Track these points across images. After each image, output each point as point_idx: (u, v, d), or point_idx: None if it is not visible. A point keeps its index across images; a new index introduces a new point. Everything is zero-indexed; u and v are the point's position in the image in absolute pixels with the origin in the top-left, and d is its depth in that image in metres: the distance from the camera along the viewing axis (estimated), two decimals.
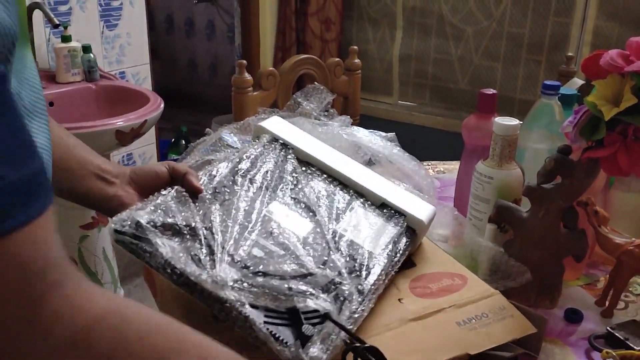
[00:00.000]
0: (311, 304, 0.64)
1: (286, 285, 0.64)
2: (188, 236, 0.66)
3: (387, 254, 0.76)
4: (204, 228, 0.67)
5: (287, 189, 0.79)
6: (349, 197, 0.83)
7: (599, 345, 0.79)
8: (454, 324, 0.71)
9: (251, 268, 0.65)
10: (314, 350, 0.61)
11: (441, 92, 2.93)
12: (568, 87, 1.15)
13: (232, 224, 0.70)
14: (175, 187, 0.71)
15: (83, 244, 1.87)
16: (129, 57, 2.37)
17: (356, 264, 0.72)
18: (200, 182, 0.74)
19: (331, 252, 0.72)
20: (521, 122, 0.94)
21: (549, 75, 2.58)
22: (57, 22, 1.86)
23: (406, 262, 0.82)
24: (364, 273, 0.71)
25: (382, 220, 0.81)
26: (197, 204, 0.70)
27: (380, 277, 0.72)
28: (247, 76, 1.50)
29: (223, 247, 0.66)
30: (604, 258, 0.97)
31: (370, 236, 0.77)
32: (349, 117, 1.08)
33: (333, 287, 0.67)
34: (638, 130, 0.79)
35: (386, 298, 0.75)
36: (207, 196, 0.72)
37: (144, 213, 0.65)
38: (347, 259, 0.72)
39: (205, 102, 4.17)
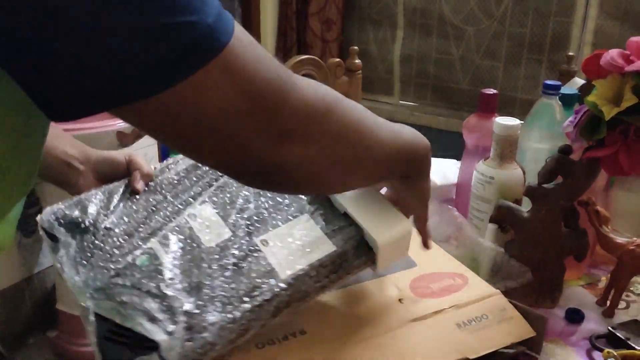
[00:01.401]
0: (145, 328, 0.58)
1: (137, 301, 0.59)
2: (88, 235, 0.65)
3: (307, 276, 0.65)
4: (105, 228, 0.65)
5: (233, 190, 0.73)
6: (300, 204, 0.72)
7: (600, 345, 0.79)
8: (454, 325, 0.71)
9: (121, 277, 0.61)
10: None
11: (442, 92, 2.93)
12: (569, 86, 1.14)
13: (135, 228, 0.67)
14: (124, 180, 0.73)
15: None
16: None
17: (241, 290, 0.62)
18: (155, 173, 0.74)
19: (217, 271, 0.63)
20: (522, 122, 0.94)
21: (550, 75, 2.57)
22: None
23: (407, 262, 0.82)
24: (248, 301, 0.61)
25: (326, 233, 0.69)
26: (124, 202, 0.69)
27: (277, 305, 0.63)
28: None
29: (104, 251, 0.63)
30: (605, 258, 0.96)
31: (298, 252, 0.67)
32: None
33: (184, 315, 0.59)
34: (639, 130, 0.79)
35: (387, 299, 0.75)
36: (143, 195, 0.71)
37: (57, 208, 0.67)
38: (236, 283, 0.63)
39: None
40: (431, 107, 2.97)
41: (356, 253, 0.69)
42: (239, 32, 0.46)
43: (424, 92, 2.99)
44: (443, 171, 1.07)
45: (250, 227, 0.69)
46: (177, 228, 0.68)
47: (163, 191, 0.73)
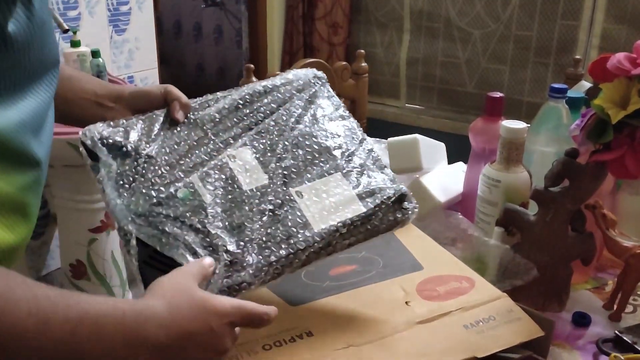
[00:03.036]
0: (187, 260, 0.62)
1: (180, 233, 0.63)
2: (129, 160, 0.66)
3: (338, 233, 0.69)
4: (147, 155, 0.67)
5: (273, 137, 0.74)
6: (335, 162, 0.74)
7: (607, 349, 0.78)
8: (461, 327, 0.72)
9: (163, 207, 0.64)
10: None
11: (448, 95, 2.93)
12: (575, 90, 1.14)
13: (177, 160, 0.68)
14: (163, 110, 0.73)
15: (92, 247, 1.88)
16: (137, 61, 2.38)
17: (277, 237, 0.66)
18: (196, 107, 0.74)
19: (256, 215, 0.67)
20: (528, 125, 0.94)
21: (557, 78, 2.57)
22: (67, 28, 1.87)
23: (414, 265, 0.82)
24: (285, 247, 0.66)
25: (357, 194, 0.72)
26: (165, 132, 0.71)
27: (308, 255, 0.67)
28: (255, 80, 1.51)
29: (146, 178, 0.66)
30: (612, 261, 0.96)
31: (331, 208, 0.70)
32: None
33: (226, 253, 0.63)
34: None
35: (393, 301, 0.75)
36: (184, 127, 0.72)
37: (102, 128, 0.68)
38: (272, 228, 0.67)
39: None
40: (437, 111, 2.97)
41: (384, 218, 0.72)
42: None
43: (430, 95, 2.99)
44: (444, 186, 1.07)
45: (286, 177, 0.71)
46: (218, 166, 0.70)
47: (205, 127, 0.73)
